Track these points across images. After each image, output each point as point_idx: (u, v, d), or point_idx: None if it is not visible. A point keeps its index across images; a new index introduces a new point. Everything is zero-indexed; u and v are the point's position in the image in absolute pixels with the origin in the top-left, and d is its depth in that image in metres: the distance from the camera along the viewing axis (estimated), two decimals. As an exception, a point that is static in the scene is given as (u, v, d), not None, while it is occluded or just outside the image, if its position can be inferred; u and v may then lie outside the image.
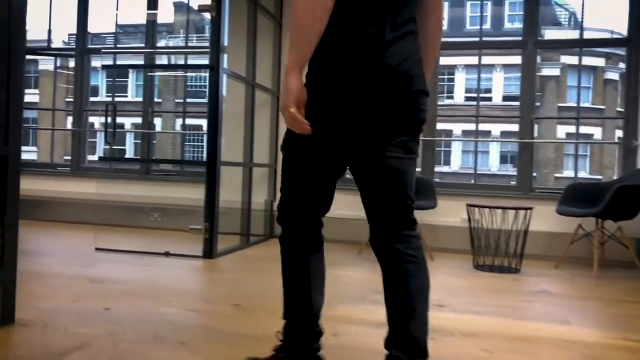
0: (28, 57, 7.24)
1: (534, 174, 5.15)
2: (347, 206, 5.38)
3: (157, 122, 18.16)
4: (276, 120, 5.25)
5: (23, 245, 4.39)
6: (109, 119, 4.16)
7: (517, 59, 5.52)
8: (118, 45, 8.78)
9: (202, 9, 3.99)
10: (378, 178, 1.49)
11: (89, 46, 6.14)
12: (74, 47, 6.23)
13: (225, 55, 4.05)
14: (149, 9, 5.77)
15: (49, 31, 6.54)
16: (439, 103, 5.25)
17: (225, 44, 4.04)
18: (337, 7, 1.38)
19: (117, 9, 6.48)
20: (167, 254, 4.05)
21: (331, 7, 1.37)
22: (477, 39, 6.12)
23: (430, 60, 1.62)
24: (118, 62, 6.71)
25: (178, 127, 19.39)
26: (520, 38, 5.06)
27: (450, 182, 6.56)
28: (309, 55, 1.40)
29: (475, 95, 20.24)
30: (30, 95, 19.63)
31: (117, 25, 9.54)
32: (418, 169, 4.53)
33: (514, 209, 4.05)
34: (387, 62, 1.41)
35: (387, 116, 1.43)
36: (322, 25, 1.37)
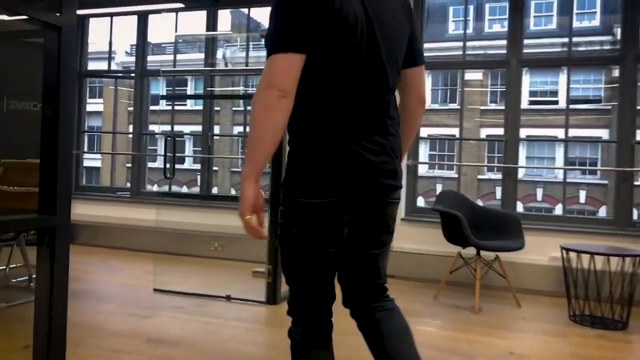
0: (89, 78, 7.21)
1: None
2: (420, 240, 4.99)
3: (216, 128, 18.22)
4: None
5: (80, 285, 4.32)
6: (169, 152, 3.92)
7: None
8: (178, 61, 8.69)
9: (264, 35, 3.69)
10: (357, 266, 1.60)
11: (149, 67, 5.99)
12: (134, 68, 6.11)
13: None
14: (208, 20, 5.56)
15: (110, 50, 6.47)
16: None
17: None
18: (320, 105, 1.45)
19: (176, 21, 6.33)
20: (228, 298, 3.77)
21: (283, 122, 1.41)
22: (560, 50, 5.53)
23: (410, 136, 1.70)
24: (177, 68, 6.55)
25: (236, 132, 19.34)
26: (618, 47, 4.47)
27: (534, 214, 6.00)
28: (265, 165, 1.46)
29: (540, 98, 19.17)
30: (95, 105, 20.19)
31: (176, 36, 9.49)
32: (497, 202, 4.06)
33: (620, 256, 3.52)
34: (369, 160, 1.46)
35: (367, 204, 1.51)
36: (277, 140, 1.42)
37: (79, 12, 5.77)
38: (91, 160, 19.89)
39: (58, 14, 1.84)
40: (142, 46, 5.88)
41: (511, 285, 3.97)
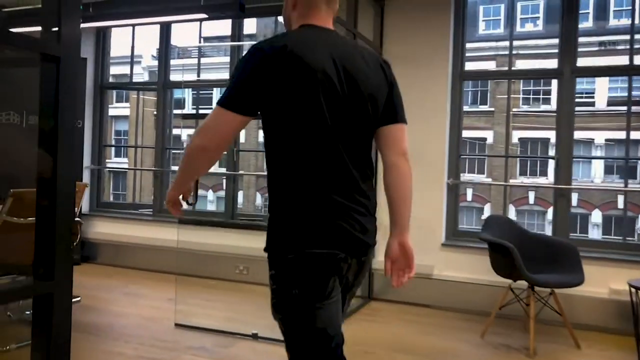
0: (111, 90, 7.00)
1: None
2: (463, 267, 4.44)
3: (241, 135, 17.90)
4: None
5: (98, 317, 4.07)
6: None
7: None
8: (203, 64, 8.42)
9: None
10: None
11: (172, 69, 5.73)
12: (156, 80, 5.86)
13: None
14: (233, 28, 5.27)
15: (132, 61, 6.24)
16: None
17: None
18: (294, 163, 1.47)
19: (200, 25, 6.06)
20: (255, 337, 3.45)
21: (202, 169, 1.58)
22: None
23: (404, 203, 1.65)
24: (202, 76, 6.28)
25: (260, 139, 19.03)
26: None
27: (590, 240, 5.52)
28: (186, 186, 1.67)
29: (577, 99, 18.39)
30: (121, 109, 20.18)
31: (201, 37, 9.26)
32: (530, 207, 3.65)
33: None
34: (347, 228, 1.49)
35: (354, 270, 1.56)
36: (206, 171, 1.59)
37: (99, 24, 5.56)
38: (118, 163, 19.88)
39: (56, 41, 1.54)
40: (164, 58, 5.61)
41: (568, 323, 3.55)
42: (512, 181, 17.71)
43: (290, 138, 1.46)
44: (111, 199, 13.70)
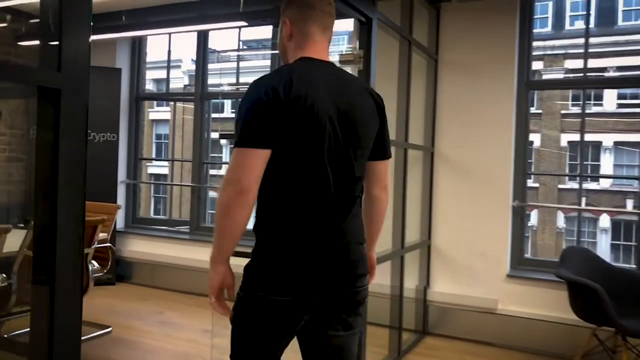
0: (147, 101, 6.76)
1: None
2: (531, 301, 3.85)
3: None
4: (429, 189, 4.10)
5: (129, 350, 3.69)
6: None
7: None
8: (242, 69, 8.11)
9: (345, 60, 2.97)
10: (320, 354, 1.59)
11: (209, 90, 5.43)
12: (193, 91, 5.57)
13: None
14: (274, 31, 4.92)
15: (168, 70, 5.99)
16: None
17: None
18: (284, 197, 1.48)
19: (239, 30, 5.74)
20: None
21: (243, 219, 1.42)
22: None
23: (378, 227, 1.80)
24: (241, 80, 5.96)
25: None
26: None
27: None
28: (232, 250, 1.50)
29: (630, 101, 17.38)
30: (162, 113, 20.17)
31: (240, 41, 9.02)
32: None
33: None
34: (333, 253, 1.50)
35: (330, 299, 1.51)
36: (241, 233, 1.45)
37: (136, 33, 5.31)
38: (158, 168, 19.90)
39: (56, 71, 1.20)
40: (201, 67, 5.31)
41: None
42: (562, 185, 16.85)
43: (283, 176, 1.47)
44: (151, 210, 13.60)
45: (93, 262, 3.23)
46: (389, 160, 1.71)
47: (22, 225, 3.87)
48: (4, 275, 2.89)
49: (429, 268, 4.11)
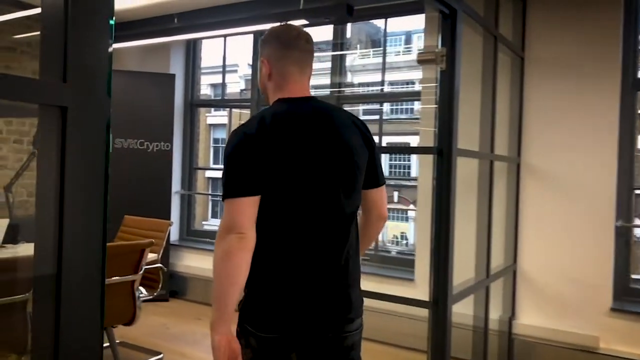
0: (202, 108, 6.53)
1: None
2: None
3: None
4: (514, 205, 3.58)
5: None
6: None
7: None
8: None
9: (425, 59, 2.54)
10: None
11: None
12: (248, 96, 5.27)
13: (457, 132, 2.55)
14: (335, 34, 4.53)
15: (224, 75, 5.72)
16: None
17: (459, 108, 2.54)
18: (273, 236, 1.48)
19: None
20: None
21: (245, 264, 1.41)
22: None
23: (367, 244, 1.81)
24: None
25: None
26: None
27: None
28: (235, 305, 1.44)
29: None
30: (219, 117, 20.20)
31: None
32: None
33: None
34: (318, 294, 1.49)
35: (315, 340, 1.50)
36: (242, 283, 1.43)
37: (189, 36, 5.06)
38: (216, 172, 19.95)
39: (62, 82, 0.85)
40: (259, 71, 4.99)
41: None
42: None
43: (271, 216, 1.47)
44: (209, 214, 13.53)
45: (141, 288, 2.94)
46: (383, 186, 1.68)
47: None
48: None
49: (515, 296, 3.59)
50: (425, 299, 2.57)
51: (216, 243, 1.42)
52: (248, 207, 1.42)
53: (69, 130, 0.85)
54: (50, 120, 0.87)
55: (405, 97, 6.22)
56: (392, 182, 15.78)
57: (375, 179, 1.64)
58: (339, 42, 4.56)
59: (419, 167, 4.00)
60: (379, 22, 18.80)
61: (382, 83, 4.57)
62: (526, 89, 3.60)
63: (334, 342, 1.51)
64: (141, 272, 2.82)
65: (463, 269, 3.04)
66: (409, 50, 19.10)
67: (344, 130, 1.55)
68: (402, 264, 4.27)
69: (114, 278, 2.66)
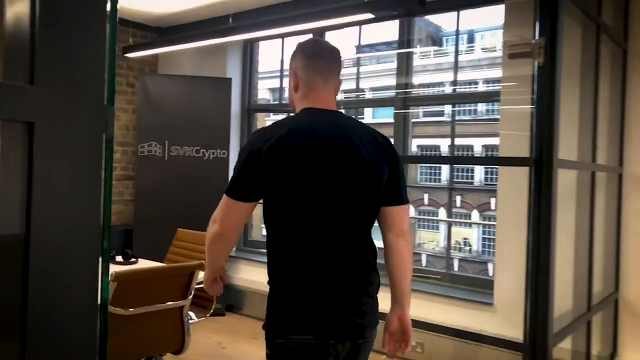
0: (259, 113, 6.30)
1: None
2: None
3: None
4: (616, 222, 3.07)
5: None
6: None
7: None
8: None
9: (518, 52, 2.12)
10: None
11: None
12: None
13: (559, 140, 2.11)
14: (401, 30, 4.15)
15: (281, 79, 5.45)
16: None
17: (560, 111, 2.11)
18: (288, 244, 1.53)
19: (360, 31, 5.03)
20: None
21: (222, 253, 1.66)
22: None
23: (403, 280, 1.64)
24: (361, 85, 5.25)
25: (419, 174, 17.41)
26: None
27: None
28: (217, 267, 1.69)
29: None
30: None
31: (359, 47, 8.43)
32: None
33: None
34: (337, 312, 1.51)
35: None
36: (221, 259, 1.69)
37: (245, 36, 4.79)
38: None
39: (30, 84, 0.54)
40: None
41: None
42: None
43: (283, 226, 1.52)
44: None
45: (190, 313, 2.67)
46: (406, 206, 1.66)
47: (120, 260, 3.44)
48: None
49: (616, 329, 3.07)
50: (508, 328, 2.16)
51: (209, 226, 1.57)
52: (236, 211, 1.51)
53: (35, 155, 0.54)
54: (14, 138, 0.56)
55: (479, 98, 5.71)
56: (455, 187, 15.13)
57: (397, 196, 1.62)
58: (406, 40, 4.16)
59: (499, 173, 3.55)
60: (440, 20, 18.17)
61: (454, 83, 4.14)
62: (629, 86, 3.08)
63: (357, 348, 1.56)
64: (190, 296, 2.55)
65: (560, 298, 2.58)
66: (472, 50, 18.33)
67: (361, 145, 1.55)
68: (477, 285, 3.81)
69: (161, 304, 2.40)
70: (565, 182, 2.70)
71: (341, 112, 1.65)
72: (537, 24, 2.08)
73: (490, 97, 4.77)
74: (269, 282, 1.57)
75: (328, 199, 1.50)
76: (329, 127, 1.54)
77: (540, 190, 2.07)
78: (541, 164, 2.05)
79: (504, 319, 3.35)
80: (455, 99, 4.32)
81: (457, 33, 4.56)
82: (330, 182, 1.50)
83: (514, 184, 3.33)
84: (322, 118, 1.57)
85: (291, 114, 1.65)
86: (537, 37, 2.07)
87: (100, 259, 0.67)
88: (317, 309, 1.48)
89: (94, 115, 0.59)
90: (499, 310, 3.43)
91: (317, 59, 1.62)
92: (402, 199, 1.63)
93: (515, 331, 2.48)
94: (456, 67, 4.43)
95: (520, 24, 3.26)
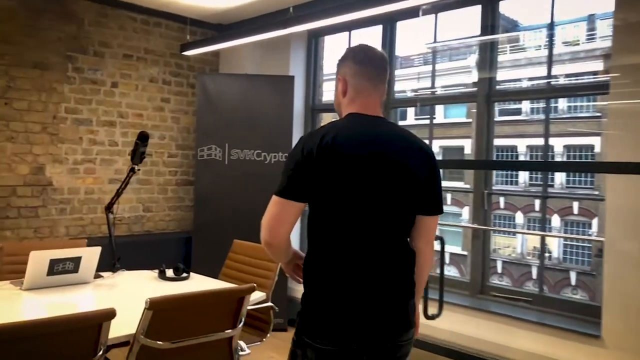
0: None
1: None
2: None
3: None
4: None
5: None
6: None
7: None
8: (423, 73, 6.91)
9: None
10: None
11: (396, 96, 4.34)
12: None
13: None
14: (484, 18, 3.65)
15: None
16: None
17: None
18: (328, 249, 1.56)
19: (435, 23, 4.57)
20: None
21: (280, 253, 1.63)
22: None
23: (422, 278, 1.72)
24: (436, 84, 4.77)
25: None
26: None
27: None
28: (288, 261, 1.71)
29: None
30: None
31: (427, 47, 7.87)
32: None
33: None
34: (375, 304, 1.54)
35: (372, 350, 1.54)
36: (284, 257, 1.67)
37: (308, 26, 4.26)
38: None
39: None
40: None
41: None
42: None
43: (326, 228, 1.55)
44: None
45: (241, 343, 2.32)
46: (438, 216, 1.69)
47: (171, 276, 3.16)
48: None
49: None
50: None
51: (261, 230, 1.55)
52: (289, 213, 1.52)
53: None
54: None
55: (581, 91, 5.07)
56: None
57: (435, 207, 1.66)
58: (489, 25, 3.65)
59: (607, 181, 2.98)
60: (517, 15, 17.14)
61: (550, 76, 3.59)
62: None
63: (390, 351, 1.57)
64: (241, 324, 2.20)
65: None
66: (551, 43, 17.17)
67: (403, 153, 1.58)
68: (578, 311, 3.23)
69: (204, 336, 2.07)
70: None
71: (386, 119, 1.67)
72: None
73: (594, 90, 4.17)
74: (306, 283, 1.58)
75: (372, 206, 1.53)
76: (375, 133, 1.57)
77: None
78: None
79: (614, 355, 2.80)
80: (551, 92, 3.76)
81: (552, 22, 3.98)
82: (375, 190, 1.53)
83: (627, 191, 2.79)
84: (368, 124, 1.59)
85: (335, 119, 1.66)
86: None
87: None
88: (361, 313, 1.52)
89: None
90: (608, 344, 2.86)
91: (367, 66, 1.64)
92: (439, 209, 1.67)
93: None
94: (550, 59, 3.87)
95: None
